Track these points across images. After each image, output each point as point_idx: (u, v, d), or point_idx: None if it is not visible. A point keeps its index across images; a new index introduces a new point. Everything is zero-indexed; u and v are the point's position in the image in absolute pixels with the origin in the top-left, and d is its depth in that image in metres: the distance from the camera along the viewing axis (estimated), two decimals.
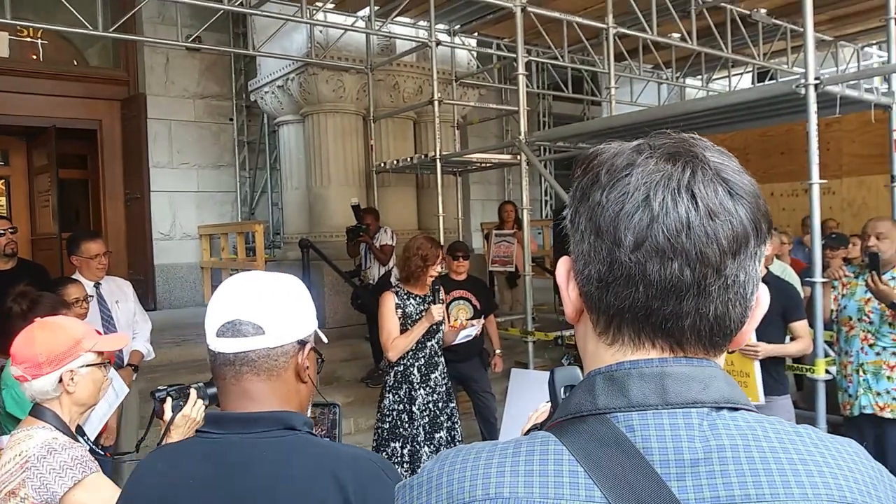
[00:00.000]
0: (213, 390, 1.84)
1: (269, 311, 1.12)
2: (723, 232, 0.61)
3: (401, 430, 3.74)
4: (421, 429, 3.75)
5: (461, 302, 4.67)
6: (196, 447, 1.12)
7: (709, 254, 0.61)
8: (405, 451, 3.72)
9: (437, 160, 6.41)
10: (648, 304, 0.63)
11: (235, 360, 1.11)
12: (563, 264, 0.71)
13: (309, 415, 1.24)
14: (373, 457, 1.14)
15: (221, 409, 1.14)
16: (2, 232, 4.03)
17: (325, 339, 1.27)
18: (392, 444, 3.73)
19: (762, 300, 0.67)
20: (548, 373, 0.83)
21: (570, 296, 0.70)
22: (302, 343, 1.17)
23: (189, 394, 1.81)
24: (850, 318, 3.71)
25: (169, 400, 1.79)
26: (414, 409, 3.75)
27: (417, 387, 3.78)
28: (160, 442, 1.76)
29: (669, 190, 0.62)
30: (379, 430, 3.82)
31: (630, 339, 0.65)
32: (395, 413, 3.76)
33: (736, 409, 0.63)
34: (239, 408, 1.12)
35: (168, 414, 1.77)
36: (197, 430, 1.13)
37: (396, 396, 3.77)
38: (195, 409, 1.80)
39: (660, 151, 0.64)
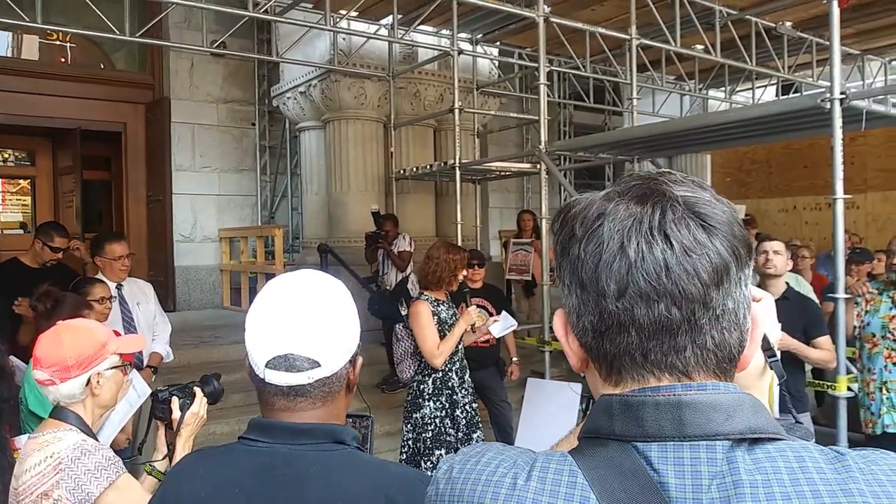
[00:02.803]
0: (209, 388, 1.88)
1: (323, 342, 1.06)
2: (701, 266, 0.62)
3: (445, 436, 3.72)
4: (461, 431, 3.77)
5: (478, 310, 4.68)
6: (241, 456, 1.06)
7: (692, 290, 0.62)
8: None
9: (457, 168, 6.41)
10: (643, 346, 0.64)
11: (289, 392, 1.06)
12: (558, 318, 0.72)
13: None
14: (422, 476, 1.10)
15: (264, 417, 1.09)
16: (64, 248, 4.08)
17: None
18: (437, 452, 3.68)
19: (757, 320, 0.68)
20: (564, 383, 0.84)
21: (572, 347, 0.71)
22: (352, 360, 1.12)
23: (194, 392, 1.84)
24: (874, 335, 3.66)
25: (175, 399, 1.81)
26: (457, 412, 3.76)
27: (458, 390, 3.80)
28: (172, 441, 1.79)
29: (642, 234, 0.63)
30: (414, 441, 3.75)
31: (634, 380, 0.66)
32: (437, 420, 3.72)
33: (760, 441, 0.61)
34: (286, 418, 1.08)
35: (177, 413, 1.80)
36: (240, 437, 1.08)
37: (438, 403, 3.74)
38: (203, 406, 1.84)
39: (628, 196, 0.65)
